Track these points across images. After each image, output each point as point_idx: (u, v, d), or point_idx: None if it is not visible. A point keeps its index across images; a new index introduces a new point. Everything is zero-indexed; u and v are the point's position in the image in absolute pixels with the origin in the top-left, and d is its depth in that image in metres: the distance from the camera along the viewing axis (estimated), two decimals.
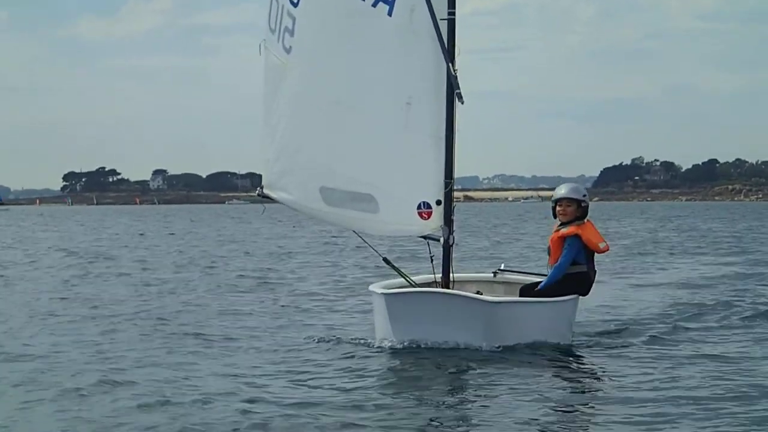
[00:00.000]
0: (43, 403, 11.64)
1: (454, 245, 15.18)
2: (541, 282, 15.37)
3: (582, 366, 13.94)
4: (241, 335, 16.45)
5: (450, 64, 14.60)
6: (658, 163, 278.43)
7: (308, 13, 15.07)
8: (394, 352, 14.10)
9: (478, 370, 13.06)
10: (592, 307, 18.03)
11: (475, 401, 11.63)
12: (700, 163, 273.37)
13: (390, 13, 14.69)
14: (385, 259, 15.69)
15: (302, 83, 15.29)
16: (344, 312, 19.54)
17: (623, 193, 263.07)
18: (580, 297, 15.40)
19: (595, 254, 15.24)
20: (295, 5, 15.13)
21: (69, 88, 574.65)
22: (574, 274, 15.03)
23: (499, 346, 14.04)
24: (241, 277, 27.77)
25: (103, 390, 12.10)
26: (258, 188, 15.99)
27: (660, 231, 60.03)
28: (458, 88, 14.61)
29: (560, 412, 11.16)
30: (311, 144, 15.32)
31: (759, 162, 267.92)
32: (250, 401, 11.55)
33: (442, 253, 15.16)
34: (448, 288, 15.07)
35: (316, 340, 15.59)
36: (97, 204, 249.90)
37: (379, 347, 14.42)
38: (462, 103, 14.66)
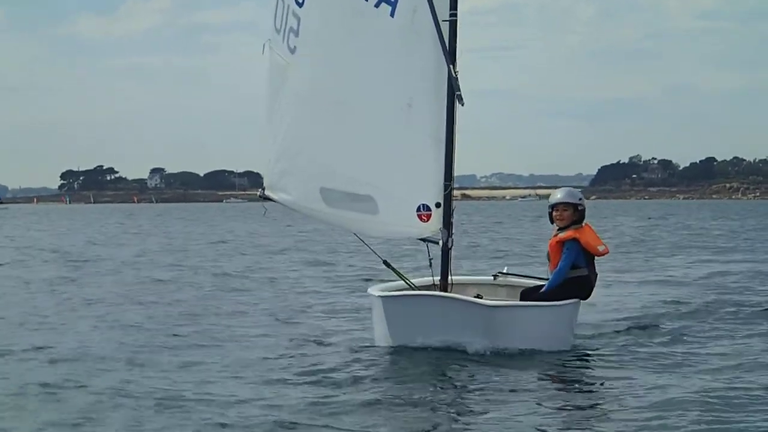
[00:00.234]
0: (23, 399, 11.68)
1: (453, 248, 15.11)
2: (542, 285, 15.36)
3: (580, 369, 13.88)
4: (237, 336, 16.42)
5: (451, 66, 14.56)
6: (655, 162, 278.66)
7: (313, 13, 15.06)
8: (392, 355, 14.05)
9: (476, 374, 13.01)
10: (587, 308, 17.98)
11: (472, 405, 11.58)
12: (698, 162, 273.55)
13: (392, 14, 14.66)
14: (385, 262, 15.63)
15: (305, 83, 15.26)
16: (343, 313, 19.47)
17: (621, 191, 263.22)
18: (582, 301, 15.34)
19: (596, 257, 15.22)
20: (300, 5, 15.14)
21: (67, 87, 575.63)
22: (575, 278, 15.00)
23: (497, 350, 13.98)
24: (238, 277, 27.77)
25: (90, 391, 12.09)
26: (259, 189, 15.97)
27: (653, 230, 60.14)
28: (459, 90, 14.56)
29: (558, 416, 11.11)
30: (312, 144, 15.28)
31: (756, 160, 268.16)
32: (245, 402, 11.56)
33: (441, 256, 15.07)
34: (446, 291, 15.02)
35: (314, 342, 15.57)
36: (94, 203, 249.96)
37: (377, 350, 14.38)
38: (462, 105, 14.61)
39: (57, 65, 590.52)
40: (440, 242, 14.95)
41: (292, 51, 15.28)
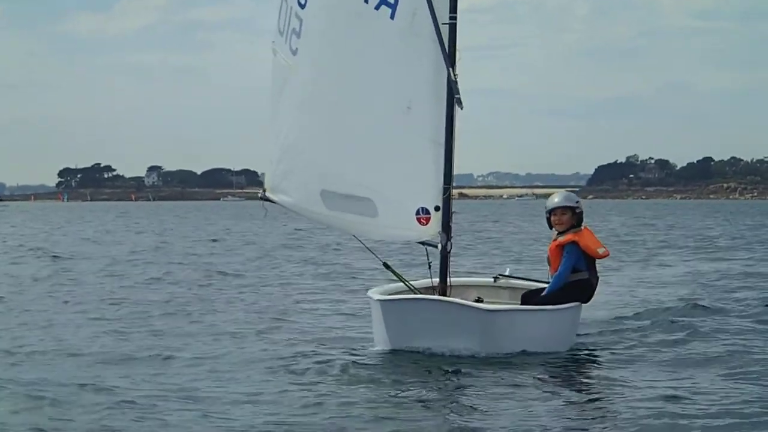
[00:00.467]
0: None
1: (452, 251, 15.12)
2: (544, 288, 15.38)
3: (580, 370, 13.90)
4: (234, 337, 16.41)
5: (450, 69, 14.54)
6: (652, 161, 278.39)
7: (314, 14, 15.07)
8: (390, 358, 13.99)
9: (475, 378, 12.97)
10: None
11: (472, 408, 11.54)
12: (695, 161, 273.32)
13: (392, 17, 14.65)
14: (385, 264, 15.63)
15: (306, 85, 15.27)
16: (341, 314, 19.43)
17: (618, 191, 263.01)
18: (583, 304, 15.37)
19: (596, 260, 15.23)
20: (303, 7, 15.14)
21: (64, 84, 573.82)
22: (575, 281, 15.03)
23: (496, 355, 13.94)
24: (237, 276, 27.76)
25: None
26: (260, 191, 16.01)
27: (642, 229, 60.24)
28: (458, 93, 14.55)
29: (558, 418, 11.09)
30: (313, 147, 15.29)
31: (754, 160, 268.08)
32: (242, 404, 11.55)
33: (439, 260, 15.10)
34: (445, 295, 15.01)
35: (313, 344, 15.53)
36: (91, 200, 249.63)
37: (376, 353, 14.35)
38: (461, 108, 14.62)
39: (54, 63, 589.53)
40: (439, 246, 14.96)
41: (294, 53, 15.29)
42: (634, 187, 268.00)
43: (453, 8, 14.67)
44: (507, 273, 17.68)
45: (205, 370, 13.54)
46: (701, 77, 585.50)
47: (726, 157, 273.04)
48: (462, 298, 15.43)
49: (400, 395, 12.05)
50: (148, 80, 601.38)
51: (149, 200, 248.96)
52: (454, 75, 14.57)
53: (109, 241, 50.35)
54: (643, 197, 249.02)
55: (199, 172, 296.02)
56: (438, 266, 15.21)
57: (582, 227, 15.22)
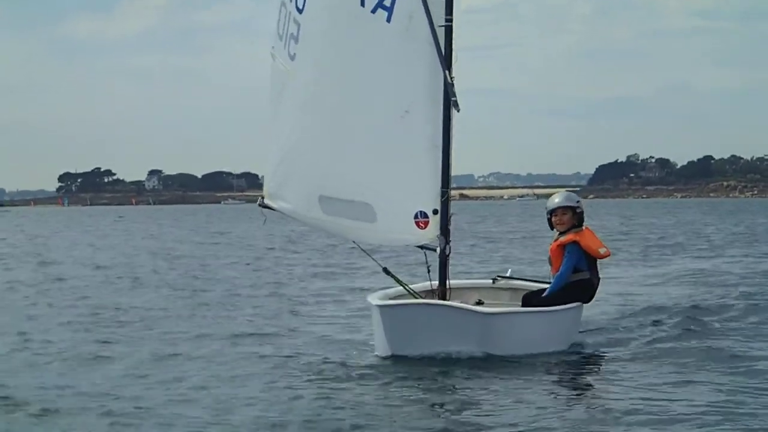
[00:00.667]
0: None
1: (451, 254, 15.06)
2: (544, 289, 15.36)
3: (581, 373, 13.81)
4: (234, 340, 16.35)
5: (447, 72, 14.48)
6: (653, 160, 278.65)
7: (312, 19, 15.02)
8: (391, 362, 13.91)
9: (474, 381, 12.90)
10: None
11: (472, 412, 11.45)
12: (695, 160, 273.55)
13: (389, 20, 14.60)
14: (384, 269, 15.59)
15: (304, 91, 15.22)
16: (344, 318, 19.29)
17: (619, 190, 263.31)
18: (584, 304, 15.34)
19: (597, 260, 15.17)
20: (300, 11, 15.08)
21: (63, 87, 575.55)
22: (577, 281, 15.04)
23: (496, 358, 13.87)
24: (237, 280, 27.69)
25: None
26: (259, 198, 15.98)
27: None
28: (455, 96, 14.48)
29: (558, 419, 11.03)
30: (311, 152, 15.23)
31: (754, 158, 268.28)
32: (239, 407, 11.54)
33: (438, 263, 15.02)
34: (444, 298, 14.94)
35: (313, 348, 15.47)
36: (91, 205, 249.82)
37: (376, 357, 14.27)
38: (458, 111, 14.56)
39: (53, 65, 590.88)
40: (438, 249, 14.88)
41: (292, 58, 15.26)
42: (634, 186, 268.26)
43: (449, 11, 14.61)
44: (508, 274, 17.62)
45: (201, 373, 13.52)
46: (701, 76, 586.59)
47: (726, 156, 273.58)
48: (462, 301, 15.39)
49: (399, 399, 11.99)
50: (148, 83, 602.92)
51: (150, 204, 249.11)
52: (451, 77, 14.51)
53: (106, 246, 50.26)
54: (644, 196, 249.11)
55: (199, 176, 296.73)
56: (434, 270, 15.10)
57: (583, 227, 15.22)
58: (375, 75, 14.84)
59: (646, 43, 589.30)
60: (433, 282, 15.22)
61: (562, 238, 15.12)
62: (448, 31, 14.62)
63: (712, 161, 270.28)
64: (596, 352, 15.00)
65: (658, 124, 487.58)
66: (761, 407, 11.22)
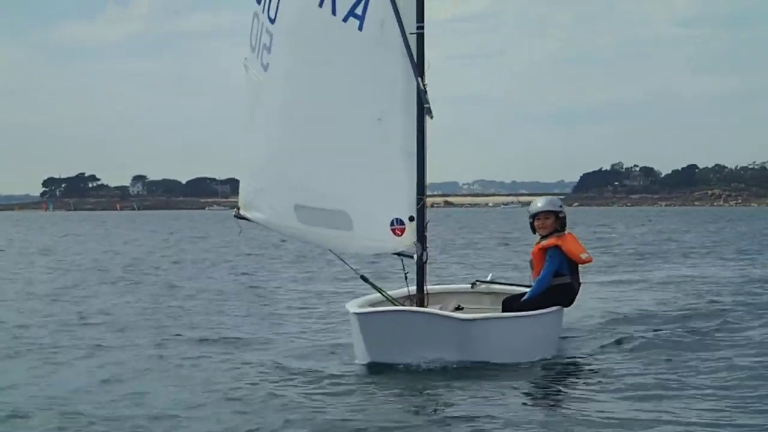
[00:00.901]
0: None
1: (428, 262, 15.03)
2: (525, 293, 15.30)
3: (562, 382, 13.68)
4: (208, 347, 16.31)
5: (419, 79, 14.49)
6: (637, 169, 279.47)
7: (284, 30, 14.99)
8: (369, 370, 13.82)
9: (453, 390, 12.80)
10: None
11: (449, 421, 11.34)
12: (680, 169, 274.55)
13: (360, 28, 14.58)
14: (362, 277, 15.59)
15: (277, 100, 15.19)
16: (323, 325, 19.24)
17: (603, 198, 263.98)
18: (564, 308, 15.31)
19: (579, 265, 15.18)
20: (273, 22, 15.06)
21: (48, 92, 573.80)
22: (557, 285, 15.00)
23: (476, 365, 13.77)
24: (214, 286, 27.63)
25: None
26: (234, 209, 15.96)
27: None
28: (428, 103, 14.50)
29: (541, 426, 11.01)
30: (285, 162, 15.21)
31: (738, 167, 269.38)
32: (216, 415, 11.48)
33: (416, 270, 15.02)
34: (422, 305, 14.91)
35: (291, 356, 15.40)
36: (75, 210, 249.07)
37: (356, 365, 14.17)
38: (431, 117, 14.58)
39: (37, 71, 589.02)
40: (415, 256, 14.86)
41: (266, 68, 15.25)
42: (619, 194, 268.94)
43: (420, 18, 14.61)
44: (489, 278, 17.59)
45: (173, 381, 13.44)
46: (685, 84, 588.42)
47: (710, 164, 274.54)
48: (442, 307, 15.37)
49: (378, 407, 11.93)
50: (134, 89, 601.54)
51: (134, 210, 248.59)
52: (424, 84, 14.52)
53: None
54: (628, 204, 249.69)
55: (184, 182, 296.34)
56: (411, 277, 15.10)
57: (565, 232, 15.20)
58: (348, 84, 14.81)
59: (629, 50, 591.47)
60: (411, 288, 15.22)
61: (544, 242, 15.11)
62: (420, 38, 14.62)
63: (697, 170, 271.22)
64: (578, 360, 14.97)
65: (643, 132, 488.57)
66: (744, 414, 11.25)
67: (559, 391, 12.91)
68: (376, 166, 14.80)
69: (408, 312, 14.04)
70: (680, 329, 17.48)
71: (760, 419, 10.99)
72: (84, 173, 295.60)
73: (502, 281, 18.11)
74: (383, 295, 15.29)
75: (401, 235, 14.79)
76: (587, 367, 14.43)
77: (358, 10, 14.55)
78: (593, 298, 22.10)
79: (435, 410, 11.76)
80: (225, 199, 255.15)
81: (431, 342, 13.66)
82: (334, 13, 14.62)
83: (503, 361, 14.01)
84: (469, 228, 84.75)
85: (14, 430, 11.10)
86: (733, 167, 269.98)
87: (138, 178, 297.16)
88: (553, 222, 15.21)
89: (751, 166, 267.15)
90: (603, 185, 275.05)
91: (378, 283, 15.68)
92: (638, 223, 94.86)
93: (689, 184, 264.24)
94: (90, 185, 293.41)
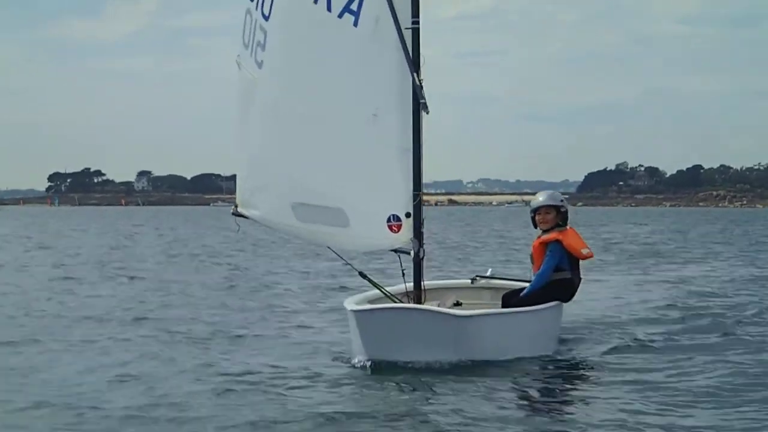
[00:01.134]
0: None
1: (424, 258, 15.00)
2: (524, 288, 15.25)
3: (562, 379, 13.69)
4: (205, 345, 16.23)
5: (415, 74, 14.45)
6: (642, 169, 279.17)
7: (278, 26, 14.93)
8: (367, 368, 13.71)
9: (451, 388, 12.71)
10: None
11: (447, 420, 11.25)
12: (685, 169, 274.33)
13: (356, 24, 14.54)
14: (360, 273, 15.54)
15: (272, 98, 15.14)
16: (321, 323, 19.15)
17: (608, 198, 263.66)
18: (563, 303, 15.26)
19: (580, 261, 15.15)
20: (267, 18, 15.01)
21: (53, 88, 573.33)
22: (557, 280, 14.93)
23: (474, 362, 13.70)
24: (212, 281, 27.62)
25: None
26: (232, 206, 15.93)
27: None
28: (423, 98, 14.45)
29: (540, 425, 11.00)
30: (281, 159, 15.17)
31: (743, 168, 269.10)
32: (211, 414, 11.40)
33: (413, 266, 14.98)
34: (419, 301, 14.88)
35: (288, 355, 15.37)
36: (80, 205, 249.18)
37: (353, 363, 14.07)
38: (427, 113, 14.53)
39: (42, 67, 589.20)
40: (412, 252, 14.85)
41: (260, 65, 15.19)
42: (623, 194, 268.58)
43: (415, 13, 14.56)
44: (488, 273, 17.56)
45: (166, 379, 13.39)
46: (690, 84, 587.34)
47: (715, 165, 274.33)
48: (440, 302, 15.34)
49: (375, 405, 11.85)
50: (138, 85, 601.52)
51: (139, 205, 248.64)
52: (419, 80, 14.47)
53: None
54: (633, 204, 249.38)
55: (188, 177, 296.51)
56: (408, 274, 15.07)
57: (567, 227, 15.15)
58: (343, 80, 14.78)
59: (634, 49, 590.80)
60: (409, 285, 15.18)
61: (545, 237, 15.07)
62: (416, 33, 14.58)
63: (702, 171, 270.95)
64: (578, 358, 14.91)
65: (648, 132, 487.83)
66: (745, 417, 11.19)
67: (559, 389, 12.87)
68: (371, 162, 14.77)
69: (405, 309, 13.96)
70: (682, 329, 17.45)
71: (762, 422, 10.93)
72: (89, 168, 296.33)
73: (502, 276, 18.08)
74: (382, 291, 15.26)
75: (398, 231, 14.76)
76: (587, 366, 14.39)
77: (353, 6, 14.51)
78: (595, 296, 22.10)
79: (432, 408, 11.69)
80: (230, 196, 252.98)
81: (428, 339, 13.58)
82: (329, 9, 14.58)
83: (501, 358, 13.97)
84: (472, 226, 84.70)
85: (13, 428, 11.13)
86: (739, 168, 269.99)
87: (143, 174, 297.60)
88: (555, 216, 15.15)
89: (756, 167, 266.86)
90: (608, 185, 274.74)
91: (377, 280, 15.63)
92: (640, 222, 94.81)
93: (694, 184, 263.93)
94: (95, 180, 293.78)
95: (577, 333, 16.93)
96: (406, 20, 14.48)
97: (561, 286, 14.99)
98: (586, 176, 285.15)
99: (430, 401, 12.09)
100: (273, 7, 14.94)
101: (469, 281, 17.27)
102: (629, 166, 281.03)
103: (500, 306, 15.30)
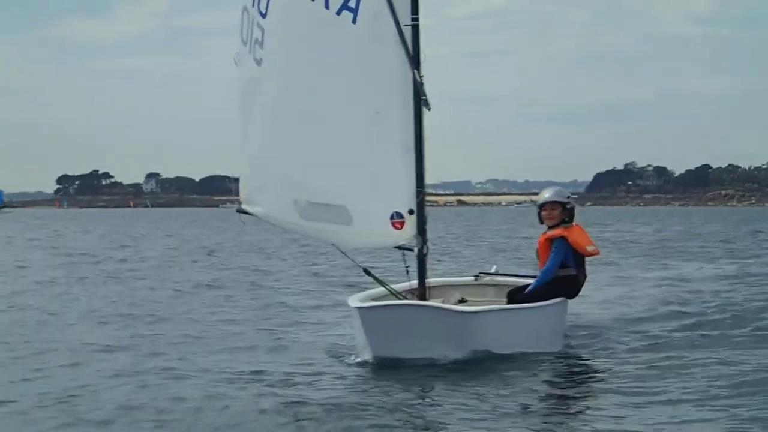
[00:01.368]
0: None
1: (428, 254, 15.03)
2: (529, 285, 15.22)
3: (568, 374, 13.71)
4: (214, 345, 16.23)
5: (415, 71, 14.43)
6: (650, 168, 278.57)
7: (276, 24, 14.91)
8: (371, 366, 13.76)
9: (456, 385, 12.73)
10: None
11: (451, 418, 11.28)
12: (693, 169, 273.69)
13: (354, 21, 14.52)
14: (365, 270, 15.54)
15: (272, 95, 15.14)
16: (326, 321, 19.22)
17: (616, 198, 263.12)
18: (568, 300, 15.26)
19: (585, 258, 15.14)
20: (264, 16, 14.98)
21: (61, 90, 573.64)
22: (562, 277, 14.91)
23: (478, 359, 13.73)
24: (216, 280, 27.66)
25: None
26: (236, 203, 15.90)
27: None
28: (424, 95, 14.45)
29: (546, 423, 10.98)
30: (283, 157, 15.17)
31: (752, 167, 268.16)
32: (224, 411, 11.42)
33: (417, 264, 15.03)
34: (424, 298, 14.88)
35: (294, 351, 15.42)
36: (88, 207, 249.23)
37: (358, 361, 14.10)
38: (429, 109, 14.53)
39: (51, 68, 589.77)
40: (415, 249, 14.86)
41: (259, 63, 15.18)
42: (632, 194, 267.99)
43: (415, 10, 14.57)
44: (493, 270, 17.54)
45: (178, 380, 13.35)
46: (699, 84, 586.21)
47: (724, 164, 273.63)
48: (445, 299, 15.31)
49: (380, 403, 11.84)
50: (147, 86, 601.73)
51: (147, 207, 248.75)
52: (420, 76, 14.46)
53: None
54: (641, 204, 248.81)
55: (197, 179, 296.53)
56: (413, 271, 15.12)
57: (573, 223, 15.12)
58: (343, 78, 14.76)
59: (643, 49, 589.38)
60: (413, 282, 15.22)
61: (550, 233, 15.05)
62: (415, 30, 14.58)
63: (710, 170, 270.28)
64: (582, 356, 14.89)
65: (656, 132, 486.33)
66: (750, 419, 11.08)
67: (563, 387, 12.85)
68: (374, 160, 14.78)
69: (409, 306, 14.00)
70: (688, 327, 17.40)
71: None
72: (98, 170, 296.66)
73: (507, 273, 18.07)
74: (386, 288, 15.27)
75: (401, 228, 14.78)
76: (592, 363, 14.36)
77: (352, 3, 14.49)
78: (600, 293, 22.09)
79: (436, 405, 11.72)
80: (238, 197, 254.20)
81: (433, 336, 13.61)
82: (327, 6, 14.55)
83: (506, 354, 13.97)
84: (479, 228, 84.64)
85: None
86: (747, 167, 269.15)
87: (151, 176, 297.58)
88: (560, 213, 15.13)
89: (765, 167, 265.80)
90: (616, 185, 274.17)
91: (381, 277, 15.67)
92: (647, 222, 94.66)
93: (703, 184, 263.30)
94: (104, 182, 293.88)
95: (582, 330, 16.92)
96: (405, 17, 14.48)
97: (566, 283, 14.97)
98: (594, 176, 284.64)
99: (434, 399, 12.10)
100: (270, 5, 14.91)
101: (473, 278, 17.27)
102: (638, 166, 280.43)
103: (506, 302, 15.30)
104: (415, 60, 14.51)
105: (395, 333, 13.62)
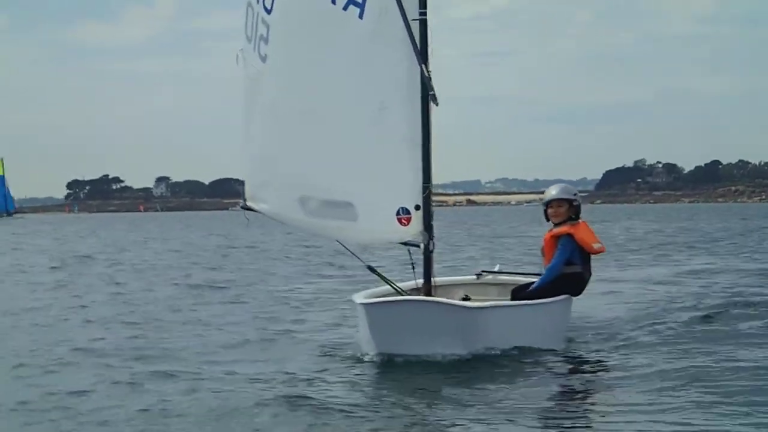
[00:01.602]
0: None
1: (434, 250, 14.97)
2: (533, 282, 15.18)
3: (573, 372, 13.64)
4: (220, 342, 16.25)
5: (423, 66, 14.32)
6: (660, 165, 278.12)
7: (281, 19, 14.85)
8: (376, 362, 13.75)
9: (461, 381, 12.70)
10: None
11: (459, 413, 11.26)
12: (703, 165, 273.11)
13: (361, 16, 14.42)
14: (369, 267, 15.50)
15: (277, 91, 15.08)
16: (330, 318, 19.21)
17: (626, 195, 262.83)
18: (573, 297, 15.22)
19: (591, 255, 15.09)
20: (269, 12, 14.93)
21: (71, 94, 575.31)
22: (567, 274, 14.89)
23: (483, 354, 13.70)
24: (220, 280, 27.63)
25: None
26: (241, 200, 15.89)
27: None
28: (432, 90, 14.32)
29: (549, 422, 10.94)
30: (288, 154, 15.11)
31: (762, 163, 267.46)
32: (229, 410, 11.37)
33: (423, 260, 14.96)
34: (429, 295, 14.85)
35: (300, 349, 15.39)
36: (98, 212, 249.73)
37: (362, 357, 14.09)
38: (437, 105, 14.40)
39: (60, 72, 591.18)
40: (422, 245, 14.81)
41: (263, 59, 15.12)
42: (642, 191, 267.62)
43: (422, 4, 14.47)
44: (496, 269, 17.50)
45: (186, 382, 13.26)
46: (699, 83, 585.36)
47: (734, 161, 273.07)
48: (448, 298, 15.29)
49: (385, 400, 11.86)
50: (156, 90, 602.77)
51: (158, 211, 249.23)
52: (428, 71, 14.35)
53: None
54: (651, 201, 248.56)
55: (207, 182, 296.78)
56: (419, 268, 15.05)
57: (579, 221, 15.07)
58: (349, 73, 14.66)
59: (650, 47, 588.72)
60: (418, 279, 15.17)
61: (556, 230, 15.01)
62: (423, 24, 14.47)
63: (720, 166, 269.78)
64: (586, 353, 14.79)
65: (665, 129, 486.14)
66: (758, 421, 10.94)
67: (568, 384, 12.78)
68: (380, 155, 14.68)
69: (414, 301, 13.94)
70: (696, 323, 17.28)
71: None
72: (108, 175, 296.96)
73: (510, 271, 18.03)
74: (391, 285, 15.22)
75: (407, 224, 14.71)
76: (597, 361, 14.26)
77: None
78: (606, 290, 22.04)
79: (437, 404, 11.66)
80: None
81: (438, 331, 13.57)
82: (333, 1, 14.44)
83: (510, 351, 13.95)
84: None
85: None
86: (757, 163, 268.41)
87: (161, 180, 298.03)
88: (567, 210, 15.10)
89: None
90: (626, 182, 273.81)
91: (385, 275, 15.63)
92: (656, 219, 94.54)
93: (712, 180, 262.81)
94: (114, 187, 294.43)
95: (587, 327, 16.86)
96: (413, 11, 14.36)
97: (571, 280, 14.95)
98: (604, 174, 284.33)
99: (435, 397, 12.04)
100: (275, 1, 14.86)
101: (475, 277, 17.24)
102: (647, 163, 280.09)
103: (510, 300, 15.27)
104: (423, 55, 14.39)
105: (400, 329, 13.58)
